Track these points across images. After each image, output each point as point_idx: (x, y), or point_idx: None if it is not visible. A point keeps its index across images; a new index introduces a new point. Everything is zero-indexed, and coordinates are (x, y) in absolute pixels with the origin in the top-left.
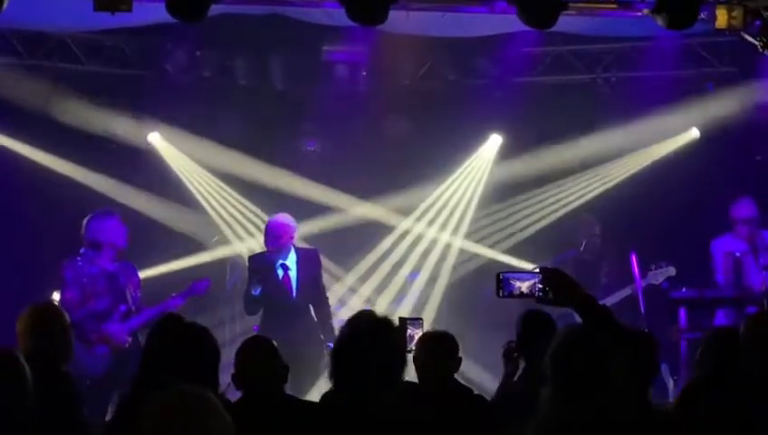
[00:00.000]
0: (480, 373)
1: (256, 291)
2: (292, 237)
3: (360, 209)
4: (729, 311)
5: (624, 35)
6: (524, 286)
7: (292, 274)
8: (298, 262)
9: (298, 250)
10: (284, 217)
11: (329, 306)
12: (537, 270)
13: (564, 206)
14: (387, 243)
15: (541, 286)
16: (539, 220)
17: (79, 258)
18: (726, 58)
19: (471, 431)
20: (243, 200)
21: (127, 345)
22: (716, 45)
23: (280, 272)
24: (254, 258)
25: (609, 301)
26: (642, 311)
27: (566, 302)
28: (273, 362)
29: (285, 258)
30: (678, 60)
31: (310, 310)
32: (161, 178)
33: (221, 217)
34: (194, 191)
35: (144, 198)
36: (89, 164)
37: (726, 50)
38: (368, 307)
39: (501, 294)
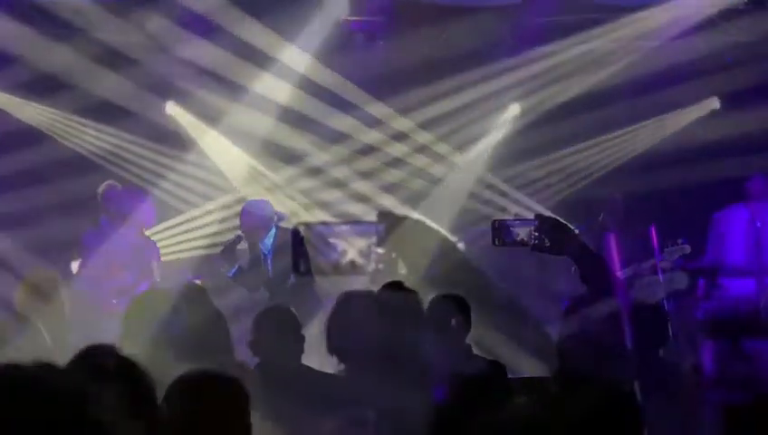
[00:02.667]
0: None
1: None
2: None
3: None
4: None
5: (645, 2)
6: (522, 233)
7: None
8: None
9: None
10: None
11: None
12: (533, 217)
13: (582, 173)
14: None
15: (537, 234)
16: (555, 189)
17: (102, 228)
18: (745, 29)
19: None
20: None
21: None
22: (737, 14)
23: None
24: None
25: (626, 273)
26: (660, 281)
27: (561, 250)
28: (290, 332)
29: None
30: (698, 29)
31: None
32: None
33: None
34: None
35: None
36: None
37: (746, 20)
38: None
39: (497, 242)
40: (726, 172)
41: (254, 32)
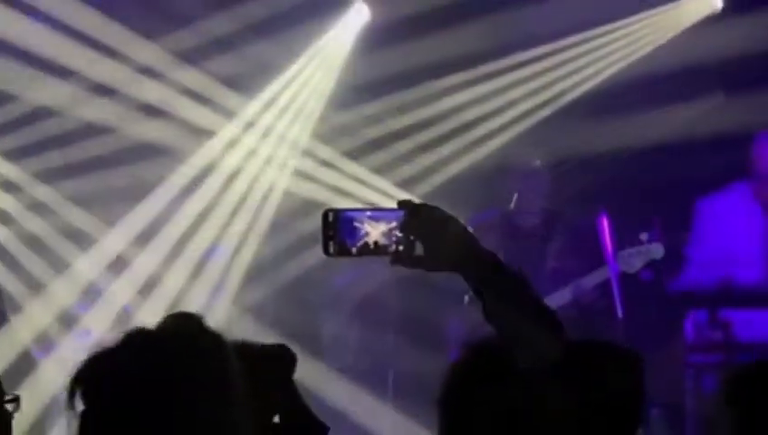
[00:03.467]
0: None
1: None
2: None
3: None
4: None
5: None
6: (377, 232)
7: None
8: None
9: None
10: None
11: None
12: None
13: (480, 125)
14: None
15: (401, 235)
16: (435, 152)
17: None
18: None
19: None
20: None
21: None
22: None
23: None
24: None
25: (561, 298)
26: (620, 315)
27: (447, 260)
28: None
29: None
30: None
31: None
32: None
33: None
34: None
35: None
36: None
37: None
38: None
39: (332, 250)
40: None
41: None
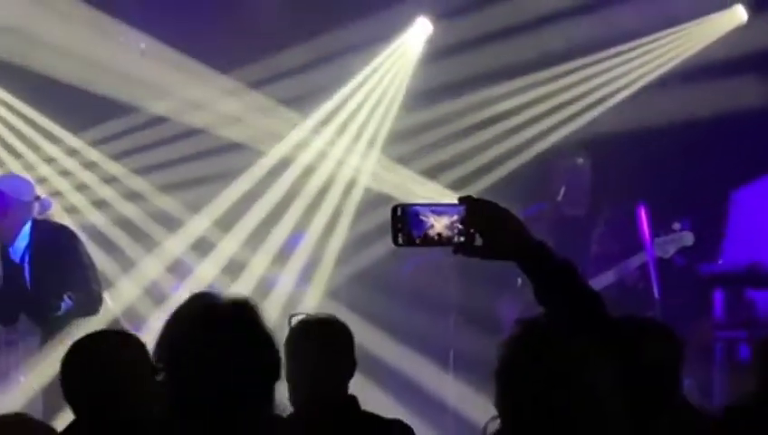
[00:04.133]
0: (400, 387)
1: None
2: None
3: (215, 113)
4: None
5: None
6: (440, 225)
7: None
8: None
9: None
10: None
11: None
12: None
13: (531, 127)
14: (260, 171)
15: (462, 227)
16: (492, 151)
17: None
18: None
19: None
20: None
21: None
22: None
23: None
24: None
25: (604, 280)
26: (656, 296)
27: (503, 251)
28: None
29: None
30: None
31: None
32: None
33: None
34: None
35: None
36: None
37: None
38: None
39: (401, 241)
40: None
41: None
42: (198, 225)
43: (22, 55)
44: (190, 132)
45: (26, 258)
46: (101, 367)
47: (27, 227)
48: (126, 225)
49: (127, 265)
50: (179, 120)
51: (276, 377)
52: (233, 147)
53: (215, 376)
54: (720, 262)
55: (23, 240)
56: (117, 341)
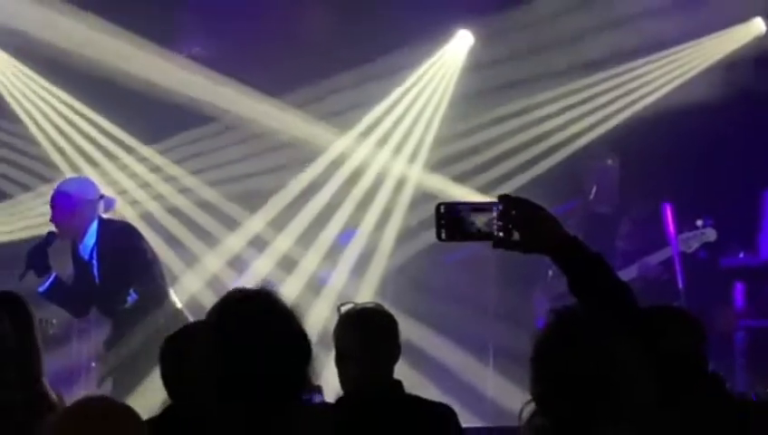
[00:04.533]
0: (442, 373)
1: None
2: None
3: (269, 124)
4: None
5: None
6: (480, 221)
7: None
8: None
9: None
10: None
11: None
12: (496, 199)
13: (565, 132)
14: (310, 175)
15: (501, 223)
16: (527, 153)
17: None
18: None
19: None
20: (97, 119)
21: None
22: None
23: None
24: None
25: (631, 272)
26: (680, 287)
27: (538, 246)
28: None
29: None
30: None
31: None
32: None
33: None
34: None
35: None
36: None
37: None
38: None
39: (444, 236)
40: None
41: None
42: (255, 224)
43: (98, 67)
44: (248, 140)
45: (94, 255)
46: (191, 357)
47: (94, 226)
48: (190, 224)
49: (191, 260)
50: (238, 130)
51: (307, 361)
52: (288, 153)
53: (254, 362)
54: (742, 255)
55: (90, 238)
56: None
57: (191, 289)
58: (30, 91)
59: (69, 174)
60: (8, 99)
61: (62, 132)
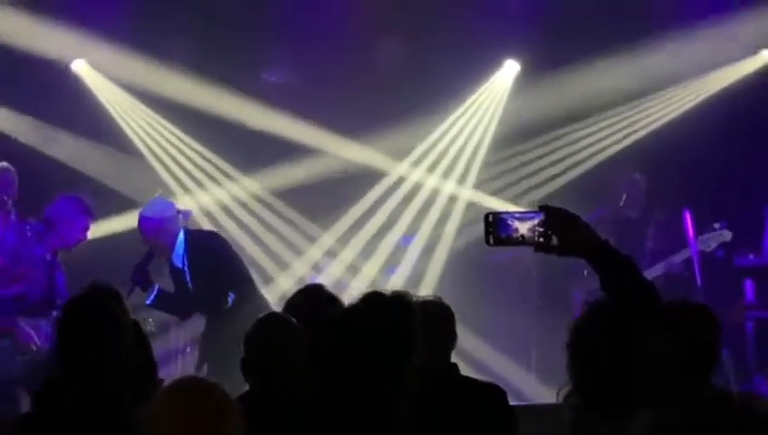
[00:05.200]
0: (492, 358)
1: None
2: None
3: (339, 152)
4: None
5: None
6: (523, 228)
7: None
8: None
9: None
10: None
11: None
12: (537, 208)
13: (599, 151)
14: (374, 195)
15: (542, 230)
16: (567, 168)
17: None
18: None
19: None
20: (192, 143)
21: (35, 349)
22: None
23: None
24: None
25: (656, 271)
26: (699, 283)
27: (575, 250)
28: None
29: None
30: None
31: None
32: (87, 115)
33: (163, 163)
34: (127, 130)
35: (67, 139)
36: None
37: None
38: (345, 281)
39: (492, 241)
40: None
41: None
42: (331, 236)
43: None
44: (321, 164)
45: (185, 262)
46: (272, 346)
47: (181, 237)
48: (281, 236)
49: (283, 265)
50: (313, 157)
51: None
52: (356, 176)
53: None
54: (751, 256)
55: (180, 248)
56: (283, 326)
57: (282, 288)
58: (150, 128)
59: (178, 191)
60: (132, 135)
61: (173, 159)
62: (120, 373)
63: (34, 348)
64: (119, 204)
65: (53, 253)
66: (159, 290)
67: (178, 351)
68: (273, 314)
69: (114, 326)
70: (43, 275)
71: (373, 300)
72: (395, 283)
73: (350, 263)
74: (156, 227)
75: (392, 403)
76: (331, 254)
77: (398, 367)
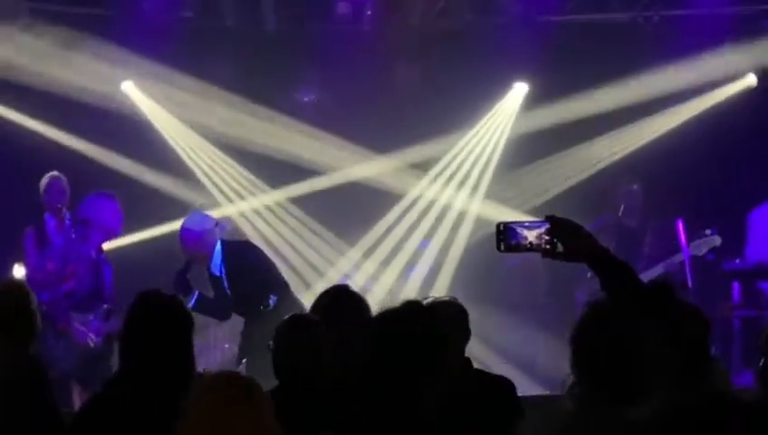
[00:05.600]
0: (496, 362)
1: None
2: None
3: (365, 168)
4: None
5: None
6: (531, 236)
7: None
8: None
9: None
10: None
11: None
12: (544, 218)
13: (598, 163)
14: (396, 208)
15: (548, 238)
16: (570, 180)
17: (48, 226)
18: None
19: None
20: (230, 161)
21: (93, 346)
22: None
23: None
24: None
25: (652, 273)
26: (689, 285)
27: (578, 256)
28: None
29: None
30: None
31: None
32: (135, 134)
33: (207, 175)
34: (174, 146)
35: (119, 158)
36: (55, 120)
37: None
38: (370, 284)
39: (503, 248)
40: (762, 159)
41: None
42: (358, 248)
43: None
44: (346, 186)
45: (222, 270)
46: (299, 346)
47: (218, 247)
48: (317, 247)
49: (320, 272)
50: (338, 177)
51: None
52: (377, 196)
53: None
54: (738, 261)
55: (217, 257)
56: (309, 327)
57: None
58: (192, 143)
59: (221, 200)
60: (177, 149)
61: (215, 172)
62: (174, 367)
63: (92, 345)
64: (161, 211)
65: (98, 250)
66: (199, 295)
67: (218, 347)
68: (300, 315)
69: (181, 322)
70: (90, 271)
71: (411, 309)
72: (413, 282)
73: (372, 272)
74: (196, 239)
75: (418, 410)
76: (355, 261)
77: (428, 376)
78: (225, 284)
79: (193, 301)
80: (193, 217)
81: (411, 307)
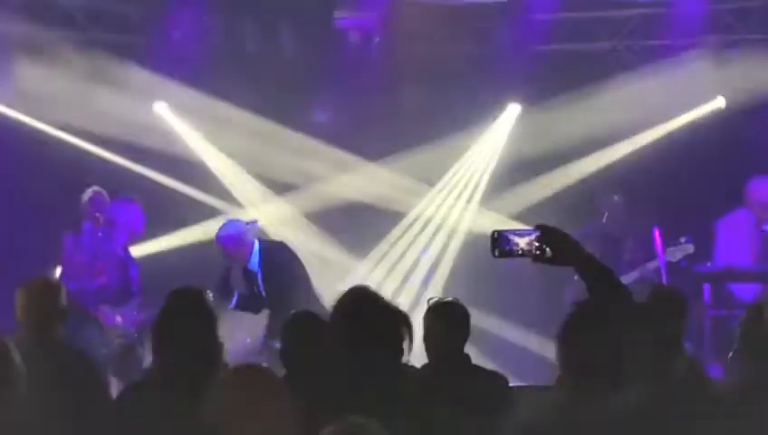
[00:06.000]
0: (505, 335)
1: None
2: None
3: (372, 185)
4: (754, 287)
5: (648, 1)
6: (523, 243)
7: None
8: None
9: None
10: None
11: None
12: (534, 227)
13: (585, 175)
14: (401, 224)
15: (538, 244)
16: (558, 192)
17: (85, 233)
18: (755, 25)
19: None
20: (247, 175)
21: (120, 329)
22: (745, 11)
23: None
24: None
25: (631, 277)
26: None
27: (565, 261)
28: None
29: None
30: (704, 26)
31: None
32: (166, 149)
33: (231, 185)
34: (201, 160)
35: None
36: (92, 138)
37: (755, 16)
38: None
39: (497, 254)
40: (729, 174)
41: None
42: (370, 259)
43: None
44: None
45: (259, 268)
46: (301, 340)
47: (256, 246)
48: (336, 257)
49: (339, 276)
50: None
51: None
52: (379, 211)
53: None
54: (708, 264)
55: (255, 256)
56: (310, 323)
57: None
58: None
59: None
60: (205, 161)
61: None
62: (204, 358)
63: (119, 328)
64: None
65: (124, 248)
66: (239, 296)
67: (239, 339)
68: (303, 312)
69: (211, 315)
70: (117, 268)
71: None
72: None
73: (378, 281)
74: (236, 242)
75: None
76: (363, 273)
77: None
78: (259, 279)
79: (233, 302)
80: (228, 224)
81: (359, 291)
